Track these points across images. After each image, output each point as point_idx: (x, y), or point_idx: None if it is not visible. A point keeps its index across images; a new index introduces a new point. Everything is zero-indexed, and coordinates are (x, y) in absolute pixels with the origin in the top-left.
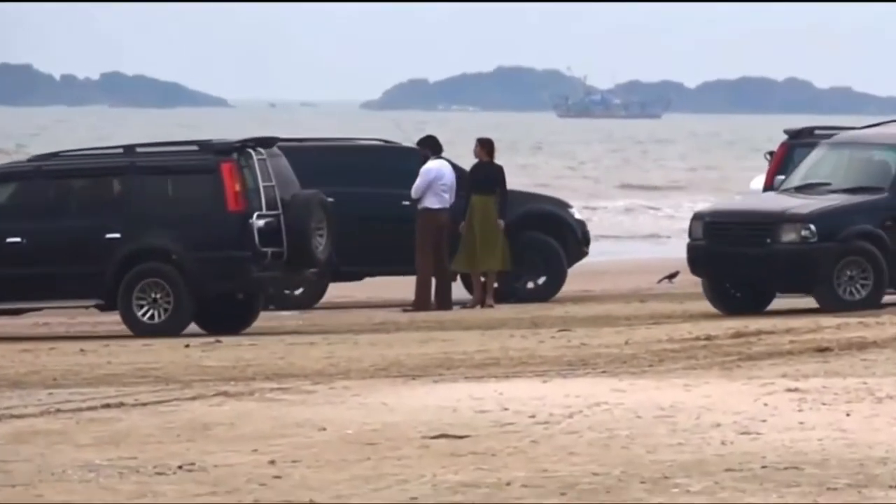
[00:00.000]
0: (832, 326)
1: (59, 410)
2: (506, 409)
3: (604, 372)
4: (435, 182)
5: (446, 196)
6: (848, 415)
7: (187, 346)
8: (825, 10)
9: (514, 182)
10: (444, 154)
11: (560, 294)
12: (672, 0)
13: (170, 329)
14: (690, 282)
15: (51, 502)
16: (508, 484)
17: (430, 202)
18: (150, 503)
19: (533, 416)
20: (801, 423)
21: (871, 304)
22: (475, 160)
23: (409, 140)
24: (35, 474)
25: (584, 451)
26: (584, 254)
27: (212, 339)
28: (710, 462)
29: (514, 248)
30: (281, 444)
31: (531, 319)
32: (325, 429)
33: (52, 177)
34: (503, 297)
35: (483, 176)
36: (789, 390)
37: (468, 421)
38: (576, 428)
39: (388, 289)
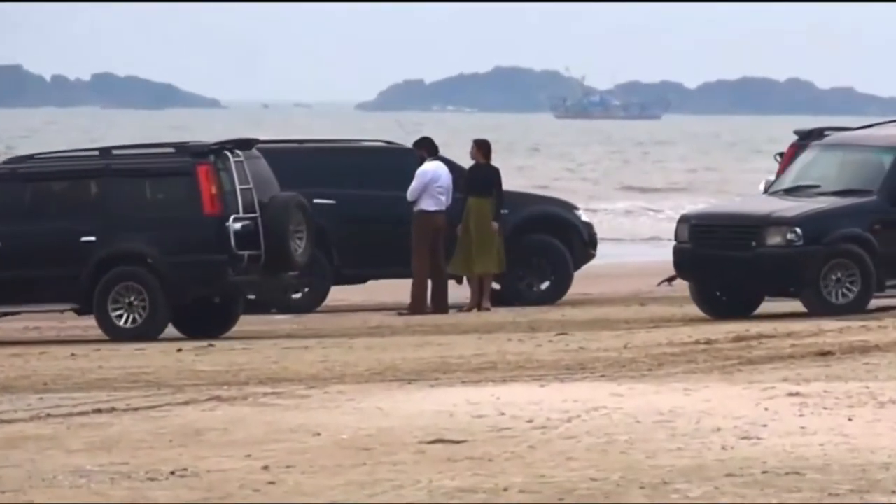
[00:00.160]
0: (834, 330)
1: (49, 415)
2: (503, 414)
3: (602, 376)
4: (431, 184)
5: (442, 198)
6: (850, 419)
7: (179, 350)
8: (826, 10)
9: (511, 184)
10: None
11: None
12: (672, 0)
13: (145, 333)
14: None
15: None
16: (505, 490)
17: (426, 204)
18: None
19: (530, 421)
20: (803, 427)
21: (859, 307)
22: (471, 162)
23: (412, 140)
24: (25, 480)
25: (582, 456)
26: (590, 256)
27: (204, 342)
28: (710, 467)
29: (520, 251)
30: (275, 449)
31: (528, 323)
32: (319, 434)
33: (27, 179)
34: (509, 300)
35: (480, 178)
36: (790, 395)
37: (465, 426)
38: (574, 433)
39: (383, 292)
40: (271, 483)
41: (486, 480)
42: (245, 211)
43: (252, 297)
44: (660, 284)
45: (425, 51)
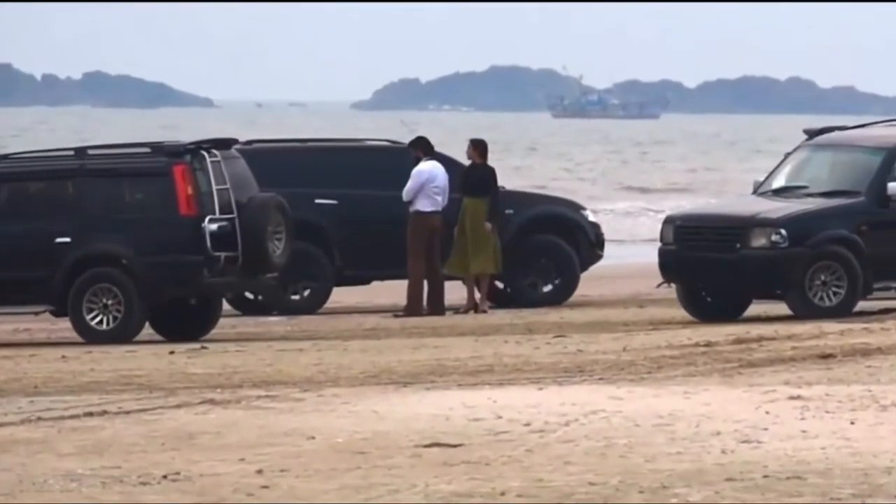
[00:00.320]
0: (835, 332)
1: (40, 419)
2: (500, 417)
3: (601, 379)
4: (427, 184)
5: (438, 199)
6: (852, 423)
7: (172, 352)
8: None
9: (511, 185)
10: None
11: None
12: (672, 0)
13: (121, 335)
14: None
15: None
16: (503, 494)
17: (422, 205)
18: None
19: (528, 425)
20: (804, 431)
21: (845, 310)
22: (468, 162)
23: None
24: (16, 484)
25: (580, 460)
26: (598, 257)
27: (197, 345)
28: (709, 471)
29: (526, 252)
30: (268, 453)
31: (526, 325)
32: (313, 437)
33: (1, 180)
34: (514, 301)
35: (476, 178)
36: (791, 398)
37: (461, 429)
38: (572, 436)
39: (379, 294)
40: (265, 487)
41: (483, 484)
42: (222, 211)
43: (252, 297)
44: (659, 286)
45: (421, 49)
